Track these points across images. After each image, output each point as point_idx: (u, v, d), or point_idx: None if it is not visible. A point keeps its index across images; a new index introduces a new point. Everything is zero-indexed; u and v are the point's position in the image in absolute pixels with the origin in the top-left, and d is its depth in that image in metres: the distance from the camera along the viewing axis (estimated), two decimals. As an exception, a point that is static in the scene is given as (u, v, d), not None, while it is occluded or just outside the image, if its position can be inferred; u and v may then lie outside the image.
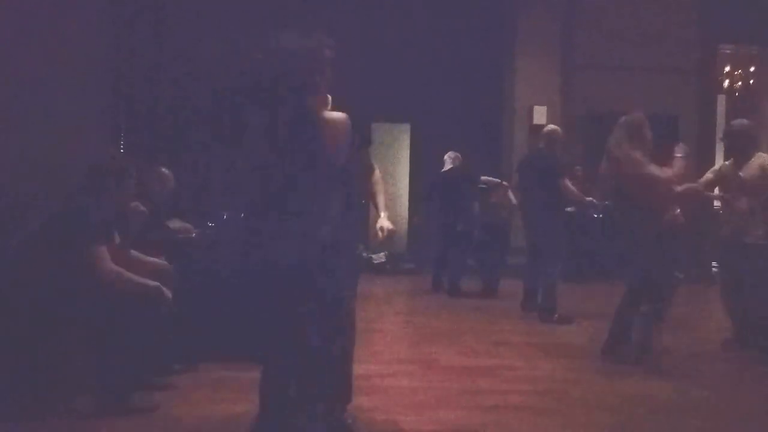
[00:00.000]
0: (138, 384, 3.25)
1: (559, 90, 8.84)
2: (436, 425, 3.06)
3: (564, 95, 8.86)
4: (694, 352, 4.55)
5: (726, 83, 9.86)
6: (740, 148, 4.57)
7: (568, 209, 7.05)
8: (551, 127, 6.03)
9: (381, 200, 3.00)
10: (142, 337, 3.15)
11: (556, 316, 5.57)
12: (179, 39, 7.33)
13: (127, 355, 3.10)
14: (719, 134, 8.78)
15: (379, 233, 2.89)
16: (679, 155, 4.20)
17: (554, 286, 5.66)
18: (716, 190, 4.92)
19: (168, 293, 3.27)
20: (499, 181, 7.14)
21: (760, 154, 4.57)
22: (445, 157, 7.30)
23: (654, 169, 4.06)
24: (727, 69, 9.76)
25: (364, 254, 8.26)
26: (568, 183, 5.79)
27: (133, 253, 3.54)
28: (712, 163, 6.44)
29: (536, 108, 8.68)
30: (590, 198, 6.86)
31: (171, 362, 3.69)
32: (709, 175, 4.82)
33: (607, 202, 6.10)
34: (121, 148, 6.09)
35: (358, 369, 3.88)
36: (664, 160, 4.40)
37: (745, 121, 4.73)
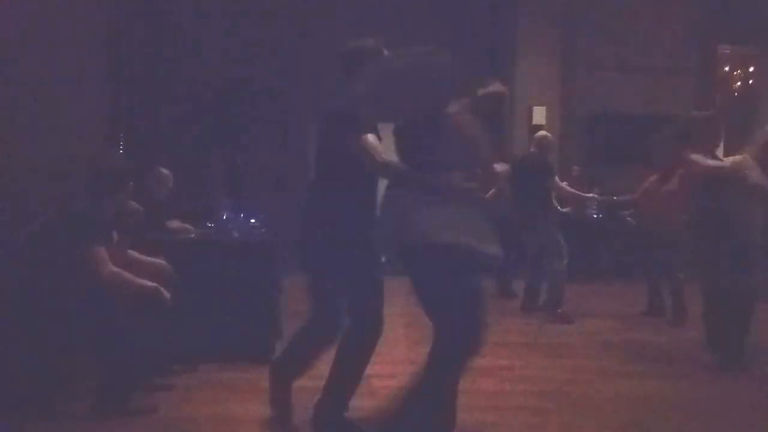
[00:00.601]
0: (138, 385, 3.25)
1: (559, 91, 8.83)
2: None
3: (564, 96, 8.85)
4: (695, 352, 4.54)
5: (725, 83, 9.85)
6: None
7: (565, 210, 7.08)
8: (542, 133, 6.24)
9: None
10: (141, 338, 3.15)
11: (560, 310, 5.61)
12: (179, 37, 7.32)
13: (126, 356, 3.09)
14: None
15: None
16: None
17: (561, 281, 5.70)
18: None
19: (166, 294, 3.27)
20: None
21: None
22: None
23: None
24: (726, 69, 9.77)
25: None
26: (559, 182, 6.05)
27: (132, 253, 3.54)
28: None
29: (536, 108, 8.67)
30: (592, 194, 6.89)
31: (171, 363, 3.69)
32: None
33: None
34: (120, 148, 6.09)
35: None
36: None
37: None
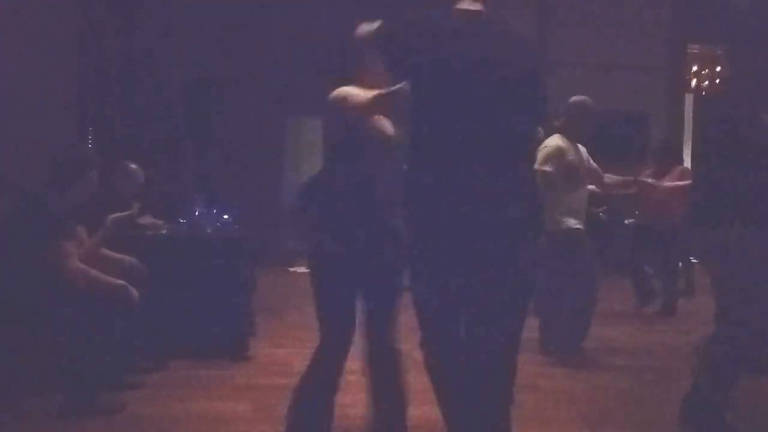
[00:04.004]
0: (106, 383, 3.19)
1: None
2: (409, 421, 3.05)
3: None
4: (666, 347, 4.62)
5: (693, 82, 10.04)
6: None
7: None
8: None
9: None
10: (108, 336, 3.09)
11: None
12: (150, 32, 7.21)
13: (93, 354, 3.03)
14: (686, 133, 8.97)
15: None
16: None
17: None
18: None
19: (134, 292, 3.21)
20: None
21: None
22: None
23: None
24: (695, 68, 9.95)
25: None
26: None
27: (102, 250, 3.47)
28: (680, 161, 6.50)
29: (508, 105, 8.73)
30: None
31: (141, 360, 3.63)
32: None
33: None
34: (90, 143, 5.97)
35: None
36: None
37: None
